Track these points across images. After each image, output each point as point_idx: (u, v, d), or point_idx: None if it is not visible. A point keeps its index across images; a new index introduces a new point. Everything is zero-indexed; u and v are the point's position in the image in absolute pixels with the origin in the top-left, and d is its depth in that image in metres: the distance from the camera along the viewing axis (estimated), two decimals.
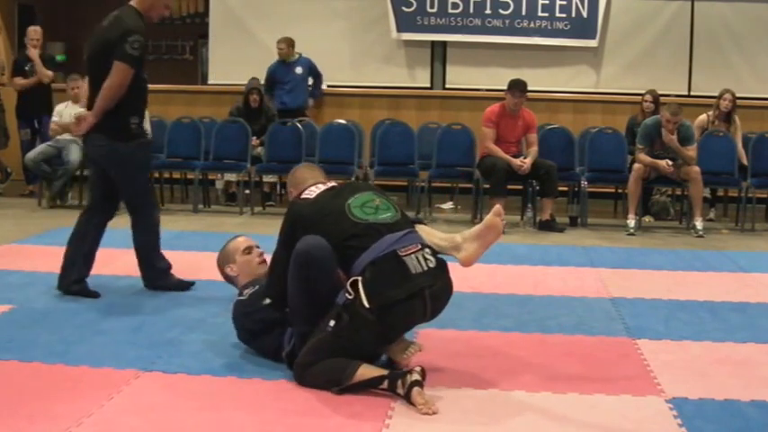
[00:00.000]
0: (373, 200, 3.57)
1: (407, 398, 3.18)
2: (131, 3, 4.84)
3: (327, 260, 3.36)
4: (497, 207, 3.59)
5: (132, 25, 4.69)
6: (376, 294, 3.27)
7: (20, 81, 9.29)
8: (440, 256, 3.51)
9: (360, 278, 3.31)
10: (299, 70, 9.84)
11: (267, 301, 3.67)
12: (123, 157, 4.79)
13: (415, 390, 3.17)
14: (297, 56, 9.89)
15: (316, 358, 3.34)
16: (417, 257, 3.37)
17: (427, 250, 3.43)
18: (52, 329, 4.10)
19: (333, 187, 3.70)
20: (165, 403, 3.20)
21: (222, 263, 4.12)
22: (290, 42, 9.81)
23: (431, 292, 3.35)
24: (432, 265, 3.39)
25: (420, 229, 3.61)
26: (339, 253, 3.38)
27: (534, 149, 7.88)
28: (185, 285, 5.03)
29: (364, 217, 3.47)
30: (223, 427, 3.00)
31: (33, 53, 9.24)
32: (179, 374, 3.51)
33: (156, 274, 5.02)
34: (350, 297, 3.30)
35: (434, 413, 3.13)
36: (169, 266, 5.11)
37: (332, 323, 3.33)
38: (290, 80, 9.78)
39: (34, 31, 9.34)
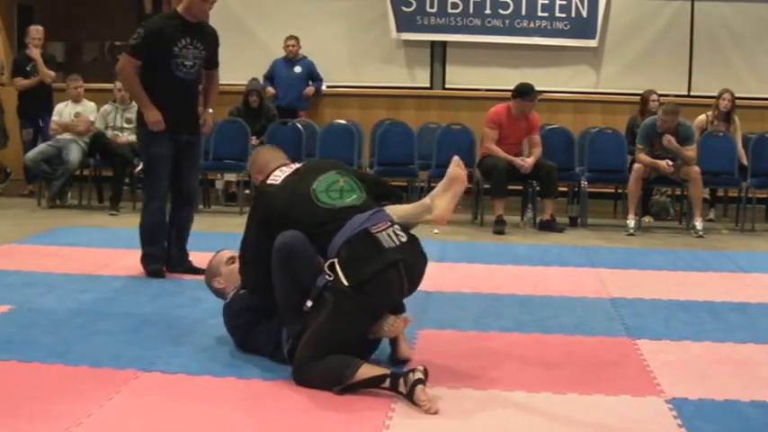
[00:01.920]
0: (337, 181, 3.62)
1: (410, 396, 3.18)
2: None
3: (306, 249, 3.44)
4: (456, 158, 3.66)
5: (146, 20, 5.44)
6: (353, 272, 3.34)
7: (21, 81, 9.27)
8: (412, 232, 3.56)
9: (336, 259, 3.37)
10: (297, 69, 9.89)
11: (242, 291, 3.75)
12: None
13: (419, 387, 3.18)
14: (301, 56, 9.93)
15: (314, 351, 3.35)
16: (389, 233, 3.44)
17: (397, 227, 3.51)
18: (52, 330, 4.10)
19: (297, 170, 3.73)
20: (164, 403, 3.19)
21: (209, 278, 4.08)
22: (298, 40, 9.91)
23: (405, 264, 3.41)
24: (403, 240, 3.47)
25: (388, 208, 3.63)
26: (313, 239, 3.44)
27: (538, 150, 7.85)
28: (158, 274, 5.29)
29: (331, 202, 3.53)
30: (223, 427, 3.00)
31: (35, 53, 9.21)
32: (179, 375, 3.51)
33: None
34: (329, 278, 3.36)
35: (437, 411, 3.13)
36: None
37: (309, 303, 3.40)
38: (288, 77, 9.80)
39: (36, 31, 9.32)
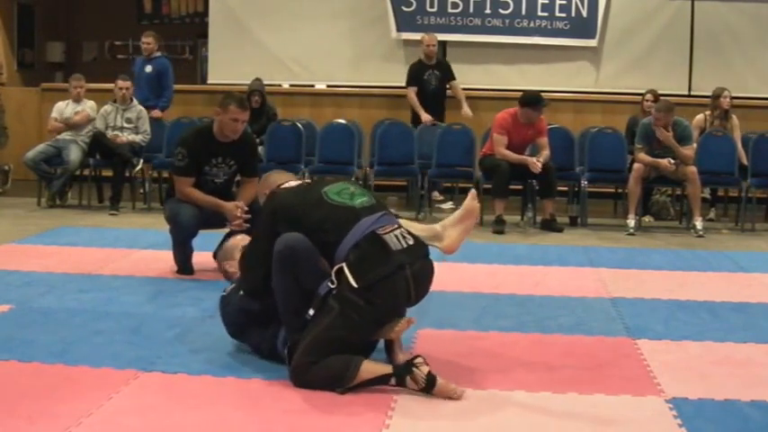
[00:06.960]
0: (348, 188, 3.63)
1: (428, 390, 3.22)
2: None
3: (309, 251, 3.41)
4: (473, 191, 3.64)
5: (183, 136, 5.47)
6: (363, 274, 3.31)
7: (413, 95, 9.27)
8: (419, 238, 3.53)
9: (344, 263, 3.35)
10: (148, 68, 9.63)
11: (241, 292, 3.72)
12: None
13: (440, 382, 3.23)
14: (158, 54, 9.72)
15: (314, 358, 3.33)
16: (396, 235, 3.42)
17: (404, 230, 3.48)
18: (51, 329, 4.10)
19: (308, 182, 3.81)
20: (164, 403, 3.20)
21: (221, 259, 4.15)
22: (157, 39, 9.71)
23: (412, 272, 3.38)
24: (410, 243, 3.43)
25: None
26: (318, 239, 3.42)
27: (546, 152, 7.77)
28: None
29: (342, 200, 3.52)
30: (223, 427, 3.00)
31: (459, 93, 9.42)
32: (178, 374, 3.51)
33: None
34: (332, 286, 3.34)
35: (461, 395, 3.23)
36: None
37: (311, 312, 3.37)
38: (140, 76, 9.61)
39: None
